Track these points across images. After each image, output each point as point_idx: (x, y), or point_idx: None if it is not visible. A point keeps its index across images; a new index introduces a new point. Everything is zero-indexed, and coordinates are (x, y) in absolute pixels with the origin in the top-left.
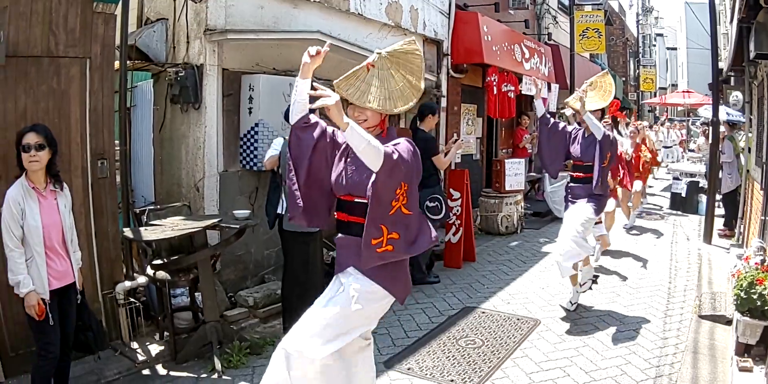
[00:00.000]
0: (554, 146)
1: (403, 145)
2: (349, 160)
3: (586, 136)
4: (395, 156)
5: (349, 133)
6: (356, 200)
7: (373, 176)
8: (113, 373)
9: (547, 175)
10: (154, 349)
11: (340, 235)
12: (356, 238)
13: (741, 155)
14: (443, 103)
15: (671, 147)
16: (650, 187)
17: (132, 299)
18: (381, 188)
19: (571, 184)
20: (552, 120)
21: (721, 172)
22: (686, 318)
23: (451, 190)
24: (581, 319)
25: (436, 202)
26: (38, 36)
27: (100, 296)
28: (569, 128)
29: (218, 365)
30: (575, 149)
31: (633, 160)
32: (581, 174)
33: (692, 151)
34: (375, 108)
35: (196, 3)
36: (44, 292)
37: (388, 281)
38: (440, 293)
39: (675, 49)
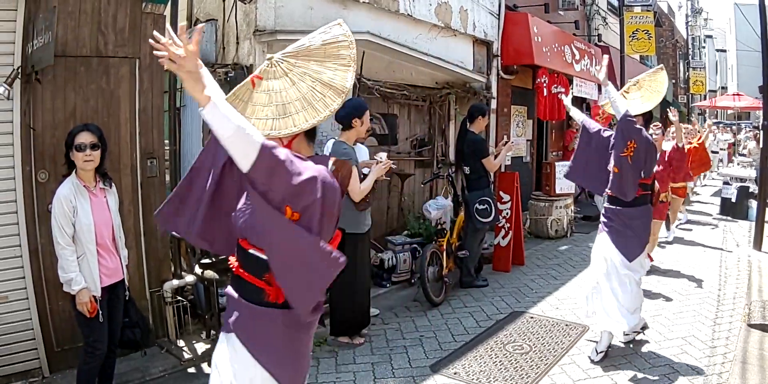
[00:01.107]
0: (598, 156)
1: (306, 163)
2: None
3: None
4: (281, 155)
5: (209, 112)
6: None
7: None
8: (158, 370)
9: None
10: (200, 347)
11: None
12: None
13: None
14: (493, 104)
15: (718, 152)
16: (696, 194)
17: (179, 298)
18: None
19: (608, 206)
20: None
21: None
22: (735, 327)
23: (500, 192)
24: None
25: (486, 205)
26: (87, 36)
27: (147, 294)
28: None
29: None
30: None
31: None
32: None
33: (743, 155)
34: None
35: (245, 4)
36: (96, 289)
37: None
38: (488, 297)
39: (724, 51)
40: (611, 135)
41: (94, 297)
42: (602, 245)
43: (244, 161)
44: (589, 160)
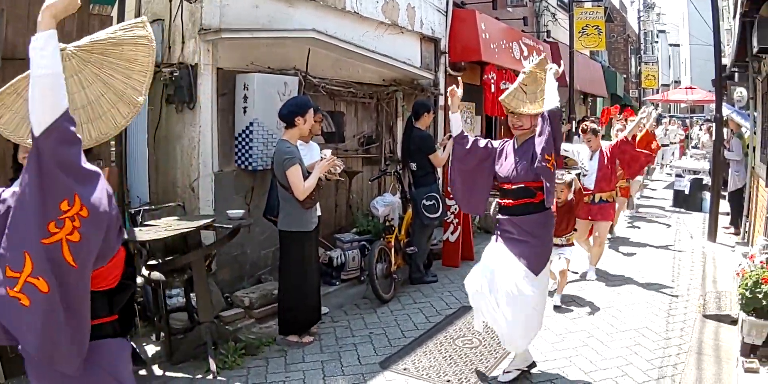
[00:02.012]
0: (477, 173)
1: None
2: None
3: (517, 147)
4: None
5: (43, 38)
6: None
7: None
8: None
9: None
10: (151, 349)
11: None
12: None
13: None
14: (441, 101)
15: (669, 145)
16: (651, 189)
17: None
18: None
19: (501, 217)
20: (470, 138)
21: (728, 169)
22: (690, 318)
23: (448, 188)
24: (581, 319)
25: (433, 201)
26: None
27: None
28: (495, 143)
29: (213, 366)
30: (504, 169)
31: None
32: (512, 201)
33: (696, 147)
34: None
35: (191, 3)
36: None
37: None
38: (438, 293)
39: (678, 45)
40: (499, 144)
41: None
42: (499, 256)
43: (42, 119)
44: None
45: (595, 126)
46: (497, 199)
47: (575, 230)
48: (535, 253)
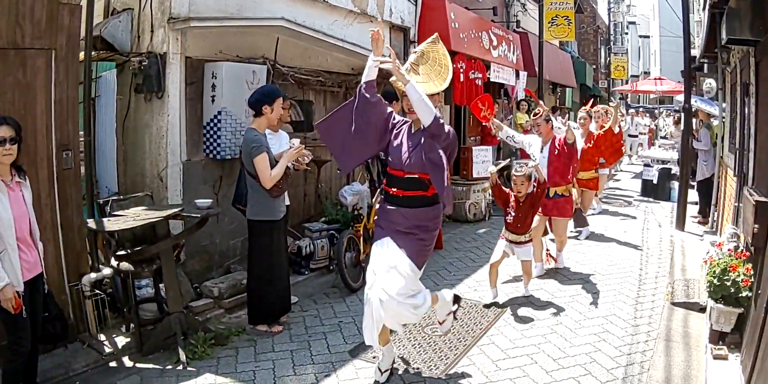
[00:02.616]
0: (362, 135)
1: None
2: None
3: (413, 132)
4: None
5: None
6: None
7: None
8: (81, 365)
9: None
10: (121, 341)
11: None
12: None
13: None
14: None
15: (637, 136)
16: (616, 180)
17: (98, 291)
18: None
19: (389, 207)
20: (379, 96)
21: (697, 159)
22: (658, 305)
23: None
24: (548, 306)
25: None
26: (4, 28)
27: (67, 288)
28: (397, 118)
29: (183, 357)
30: (396, 152)
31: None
32: (400, 190)
33: (664, 138)
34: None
35: None
36: (18, 284)
37: None
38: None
39: (648, 37)
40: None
41: (17, 292)
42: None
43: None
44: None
45: (545, 111)
46: (383, 186)
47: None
48: (422, 246)
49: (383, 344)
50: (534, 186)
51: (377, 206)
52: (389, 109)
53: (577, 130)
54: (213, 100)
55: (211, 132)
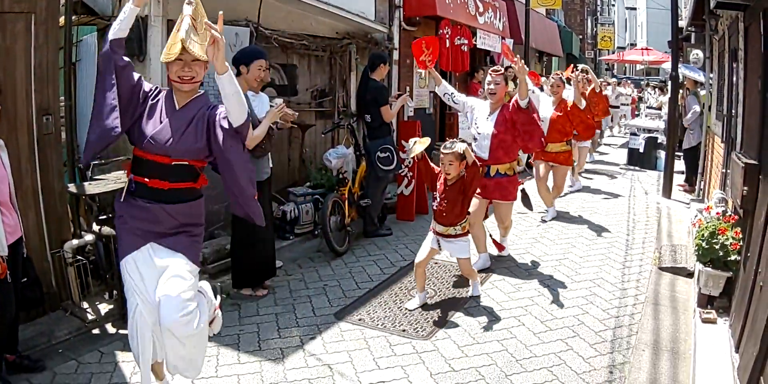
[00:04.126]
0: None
1: None
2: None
3: (179, 107)
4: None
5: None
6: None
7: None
8: (64, 333)
9: None
10: (104, 308)
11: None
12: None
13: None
14: (395, 55)
15: (619, 107)
16: (601, 153)
17: (80, 258)
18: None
19: (144, 203)
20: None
21: (684, 129)
22: (645, 270)
23: (402, 142)
24: (535, 270)
25: (388, 153)
26: None
27: (48, 255)
28: (147, 87)
29: None
30: (155, 131)
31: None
32: (164, 182)
33: (652, 108)
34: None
35: None
36: (3, 249)
37: None
38: (392, 245)
39: (634, 9)
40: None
41: (2, 257)
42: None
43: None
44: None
45: (500, 72)
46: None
47: (469, 214)
48: (195, 242)
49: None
50: (464, 171)
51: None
52: (137, 75)
53: (548, 98)
54: None
55: None
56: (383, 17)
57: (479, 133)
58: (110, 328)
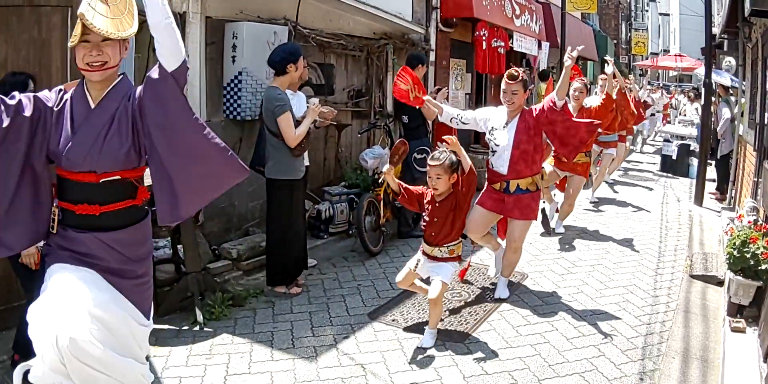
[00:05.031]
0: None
1: None
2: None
3: (95, 105)
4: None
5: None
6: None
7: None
8: None
9: None
10: None
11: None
12: None
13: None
14: (432, 57)
15: (654, 115)
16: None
17: None
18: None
19: (77, 233)
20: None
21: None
22: (677, 277)
23: (438, 143)
24: (569, 274)
25: (424, 154)
26: None
27: None
28: (49, 95)
29: (200, 317)
30: (69, 143)
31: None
32: (97, 205)
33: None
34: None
35: None
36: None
37: None
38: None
39: (668, 14)
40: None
41: (38, 248)
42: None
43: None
44: None
45: (517, 80)
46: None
47: (464, 237)
48: (146, 289)
49: None
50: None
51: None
52: (27, 99)
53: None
54: (234, 61)
55: (232, 92)
56: (420, 18)
57: (497, 146)
58: None
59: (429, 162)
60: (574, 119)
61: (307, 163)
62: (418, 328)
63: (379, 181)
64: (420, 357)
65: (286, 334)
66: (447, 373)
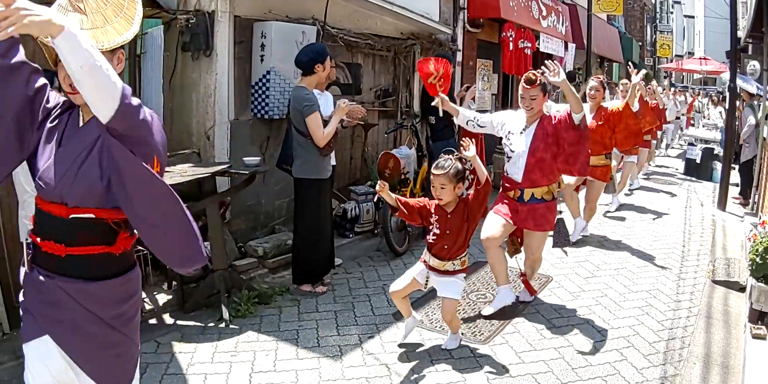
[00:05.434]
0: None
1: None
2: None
3: (82, 124)
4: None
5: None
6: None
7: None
8: None
9: None
10: (162, 298)
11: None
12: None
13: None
14: (459, 57)
15: (679, 118)
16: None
17: (141, 248)
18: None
19: (41, 277)
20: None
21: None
22: (699, 282)
23: (461, 141)
24: (594, 278)
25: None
26: None
27: None
28: (56, 98)
29: (226, 314)
30: (46, 165)
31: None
32: (60, 245)
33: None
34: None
35: None
36: None
37: None
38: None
39: (693, 17)
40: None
41: None
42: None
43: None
44: None
45: (534, 84)
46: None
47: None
48: (123, 364)
49: None
50: (465, 192)
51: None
52: (42, 81)
53: (585, 104)
54: (262, 60)
55: (260, 91)
56: (447, 18)
57: (512, 152)
58: (168, 319)
59: (433, 171)
60: (584, 141)
61: (334, 162)
62: (442, 328)
63: (406, 180)
64: (444, 358)
65: (312, 332)
66: (471, 374)
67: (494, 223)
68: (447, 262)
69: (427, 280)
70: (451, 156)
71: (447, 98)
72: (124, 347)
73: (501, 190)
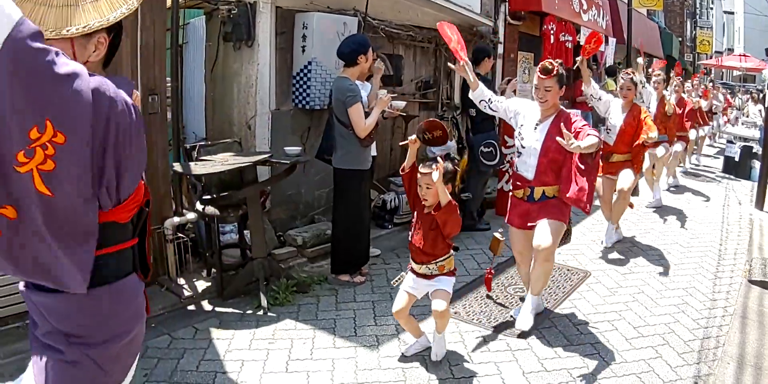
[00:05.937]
0: None
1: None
2: None
3: None
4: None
5: None
6: None
7: None
8: (158, 308)
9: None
10: (201, 285)
11: None
12: None
13: None
14: (500, 49)
15: (717, 114)
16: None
17: (180, 235)
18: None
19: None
20: None
21: None
22: (736, 282)
23: (505, 137)
24: (631, 274)
25: (491, 148)
26: None
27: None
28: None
29: (264, 302)
30: None
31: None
32: None
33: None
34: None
35: None
36: None
37: None
38: (489, 241)
39: (732, 13)
40: None
41: None
42: None
43: None
44: None
45: (551, 74)
46: None
47: (455, 250)
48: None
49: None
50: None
51: None
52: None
53: (617, 100)
54: (303, 51)
55: (301, 82)
56: (488, 10)
57: (523, 147)
58: (206, 305)
59: (420, 169)
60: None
61: (374, 153)
62: (479, 321)
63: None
64: (481, 350)
65: (349, 322)
66: (507, 367)
67: (513, 237)
68: (422, 266)
69: (417, 287)
70: (438, 151)
71: (470, 65)
72: (84, 368)
73: (511, 192)
